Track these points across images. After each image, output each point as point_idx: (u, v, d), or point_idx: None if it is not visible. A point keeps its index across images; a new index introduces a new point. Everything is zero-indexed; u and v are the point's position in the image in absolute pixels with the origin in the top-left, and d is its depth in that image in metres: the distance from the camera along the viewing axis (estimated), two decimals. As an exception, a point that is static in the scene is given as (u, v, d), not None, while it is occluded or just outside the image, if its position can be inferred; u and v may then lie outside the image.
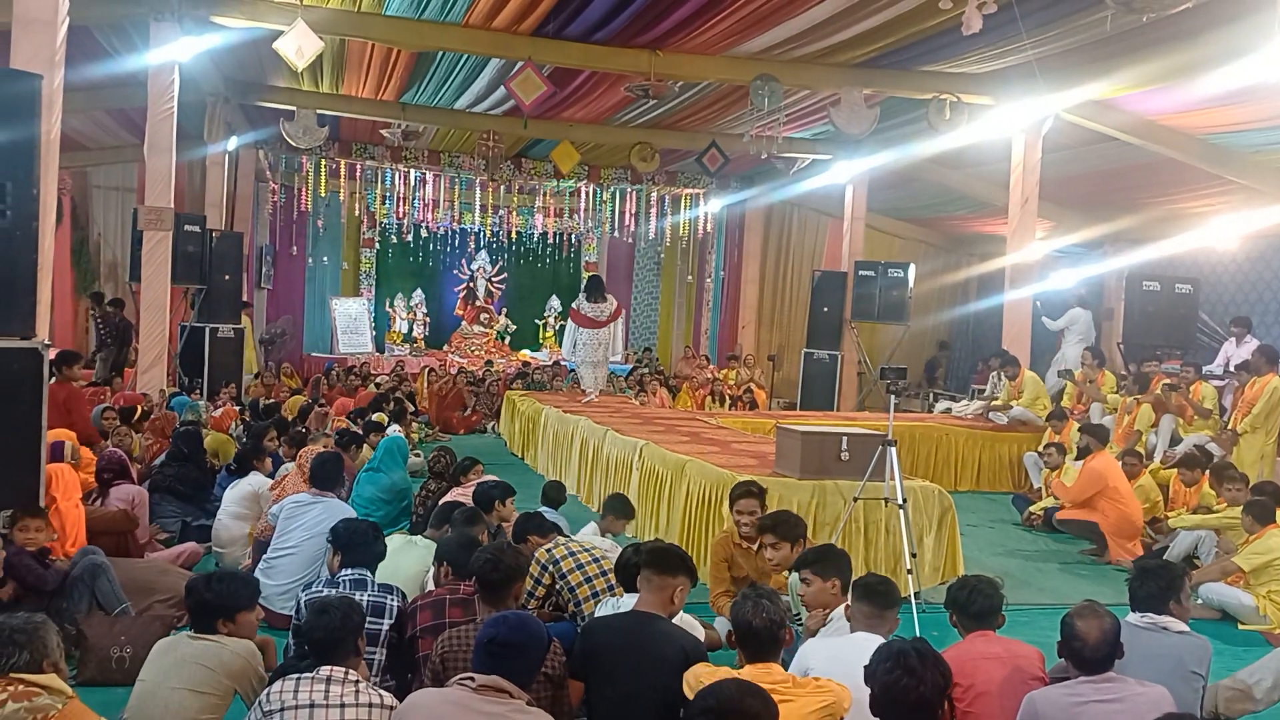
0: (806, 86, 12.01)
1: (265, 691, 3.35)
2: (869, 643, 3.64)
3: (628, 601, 4.27)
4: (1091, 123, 11.22)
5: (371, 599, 4.25)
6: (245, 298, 14.92)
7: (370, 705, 3.28)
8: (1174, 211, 13.56)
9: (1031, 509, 9.58)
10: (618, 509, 6.54)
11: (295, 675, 3.35)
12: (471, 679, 3.15)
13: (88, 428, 8.51)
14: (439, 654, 3.70)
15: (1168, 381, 10.30)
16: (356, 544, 4.50)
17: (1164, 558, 7.49)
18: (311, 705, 3.24)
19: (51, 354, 6.05)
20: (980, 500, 10.65)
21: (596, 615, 4.38)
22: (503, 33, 10.78)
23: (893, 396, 6.84)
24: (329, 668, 3.35)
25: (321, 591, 4.33)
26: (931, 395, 16.81)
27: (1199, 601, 6.79)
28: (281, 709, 3.24)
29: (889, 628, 3.89)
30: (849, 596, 4.00)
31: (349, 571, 4.40)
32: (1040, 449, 10.34)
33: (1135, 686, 3.41)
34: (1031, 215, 12.21)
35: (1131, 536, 8.40)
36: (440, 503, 6.72)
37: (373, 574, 4.47)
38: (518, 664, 3.21)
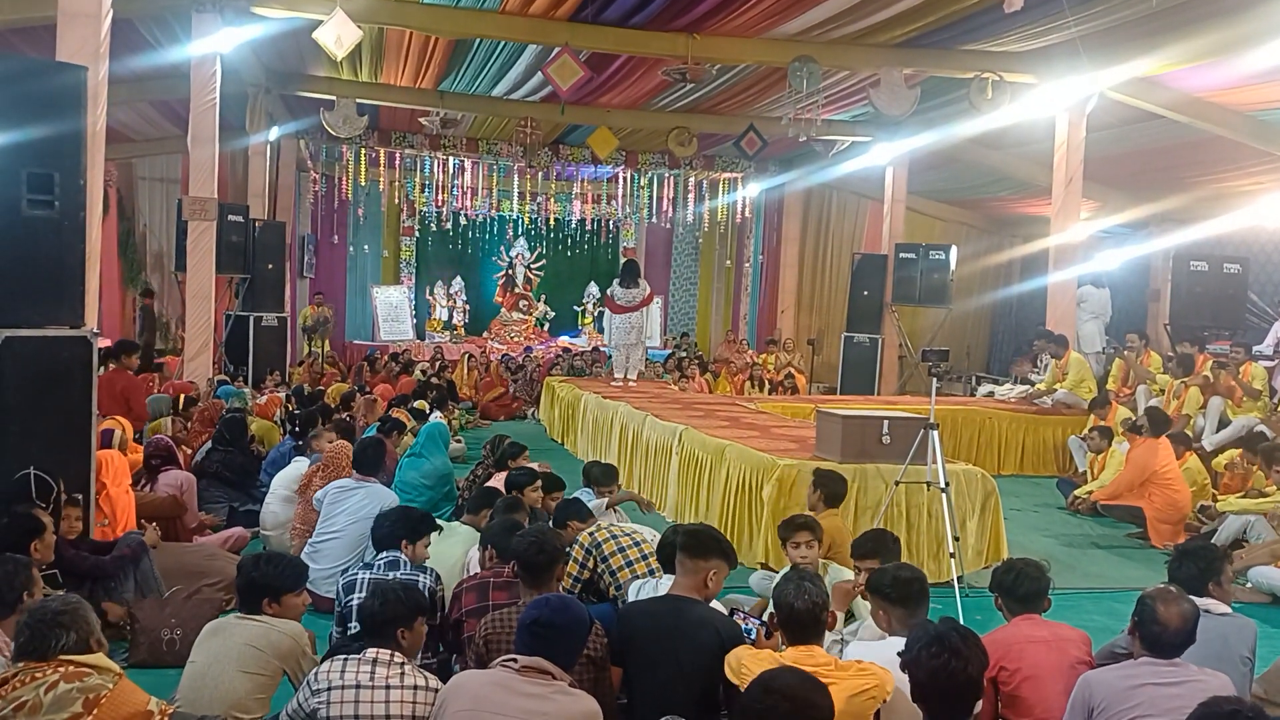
0: (845, 68, 11.92)
1: (314, 671, 3.41)
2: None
3: (662, 584, 4.29)
4: (1136, 100, 11.04)
5: (404, 579, 4.31)
6: (290, 288, 15.14)
7: (415, 687, 3.32)
8: (1222, 190, 13.32)
9: (1076, 493, 9.47)
10: (597, 476, 6.48)
11: (343, 656, 3.40)
12: (514, 660, 3.18)
13: (145, 415, 8.67)
14: (482, 636, 3.73)
15: (1217, 359, 10.14)
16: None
17: (1212, 541, 7.40)
18: (358, 686, 3.29)
19: (103, 343, 6.16)
20: (1024, 484, 10.55)
21: (629, 598, 4.39)
22: (539, 18, 10.78)
23: (934, 379, 6.79)
24: (374, 649, 3.39)
25: (356, 575, 4.42)
26: (974, 378, 16.66)
27: (1249, 585, 6.70)
28: (329, 688, 3.30)
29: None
30: (874, 596, 3.84)
31: (384, 554, 4.48)
32: (1084, 433, 10.22)
33: (1196, 673, 3.37)
34: (1076, 196, 12.03)
35: (1177, 521, 8.28)
36: (480, 489, 6.77)
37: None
38: (560, 645, 3.23)
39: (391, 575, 4.31)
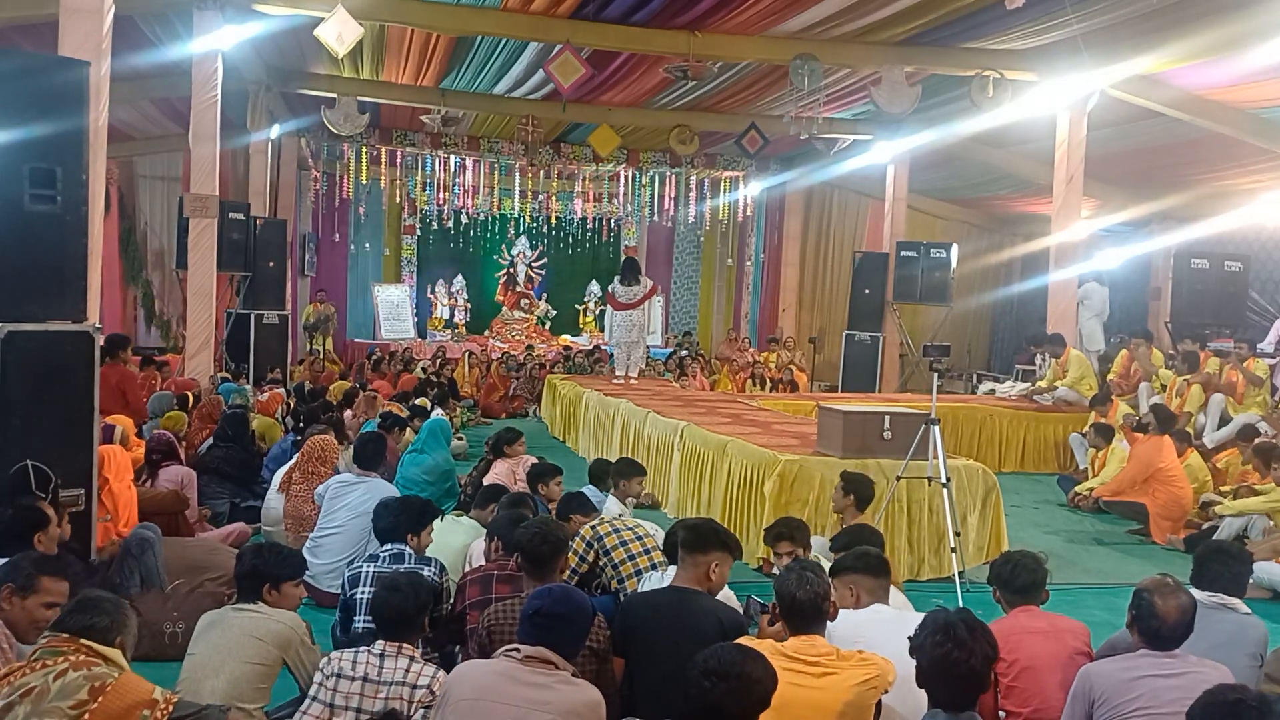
0: (847, 65, 11.92)
1: (327, 657, 3.49)
2: (882, 615, 3.70)
3: (667, 576, 4.30)
4: (1138, 98, 11.04)
5: (409, 571, 4.32)
6: (291, 286, 15.18)
7: (415, 686, 3.37)
8: (1223, 188, 13.32)
9: (1077, 489, 9.48)
10: (622, 471, 6.46)
11: (355, 648, 3.48)
12: (517, 650, 3.18)
13: (141, 410, 8.68)
14: (485, 626, 3.75)
15: (1219, 353, 10.17)
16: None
17: (1214, 538, 7.42)
18: (365, 679, 3.38)
19: (101, 338, 6.15)
20: (1025, 481, 10.56)
21: (644, 588, 4.40)
22: (541, 16, 10.79)
23: (935, 375, 6.79)
24: (383, 642, 3.46)
25: (361, 567, 4.43)
26: (975, 376, 16.67)
27: (1250, 581, 6.69)
28: (338, 675, 3.39)
29: (887, 595, 3.90)
30: (844, 571, 3.92)
31: (389, 546, 4.49)
32: (1084, 430, 10.23)
33: (1196, 664, 3.38)
34: (1076, 194, 12.03)
35: (1179, 518, 8.29)
36: (485, 483, 6.80)
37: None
38: (563, 636, 3.24)
39: (396, 568, 4.34)
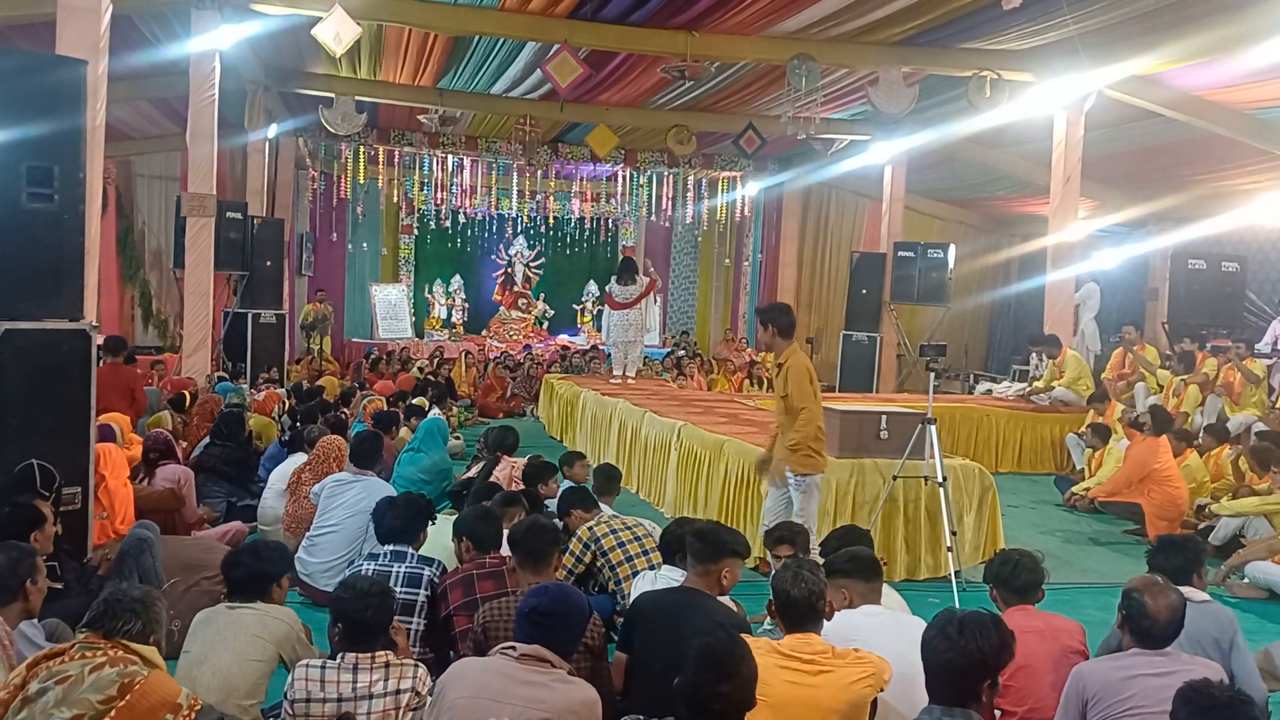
0: (844, 65, 11.93)
1: (290, 679, 3.36)
2: (874, 614, 3.70)
3: (661, 576, 4.30)
4: (1135, 99, 11.05)
5: (408, 570, 4.34)
6: (289, 285, 15.17)
7: (399, 692, 3.29)
8: (1220, 189, 13.33)
9: (1074, 489, 9.49)
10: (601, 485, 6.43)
11: (320, 664, 3.34)
12: (513, 648, 3.18)
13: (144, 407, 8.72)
14: (481, 624, 3.74)
15: (1217, 349, 10.22)
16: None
17: (1210, 538, 7.44)
18: (339, 699, 3.25)
19: (100, 338, 6.14)
20: (1022, 481, 10.56)
21: (636, 588, 4.41)
22: (539, 15, 10.79)
23: (932, 374, 6.80)
24: (354, 655, 3.32)
25: (362, 566, 4.42)
26: (971, 377, 16.68)
27: (1245, 580, 6.71)
28: (308, 699, 3.26)
29: (879, 597, 3.91)
30: (835, 575, 3.91)
31: (390, 545, 4.48)
32: (1081, 430, 10.24)
33: (1188, 662, 3.38)
34: (1074, 194, 12.04)
35: (1175, 518, 8.29)
36: (484, 483, 6.79)
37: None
38: (559, 634, 3.24)
39: (398, 566, 4.34)
